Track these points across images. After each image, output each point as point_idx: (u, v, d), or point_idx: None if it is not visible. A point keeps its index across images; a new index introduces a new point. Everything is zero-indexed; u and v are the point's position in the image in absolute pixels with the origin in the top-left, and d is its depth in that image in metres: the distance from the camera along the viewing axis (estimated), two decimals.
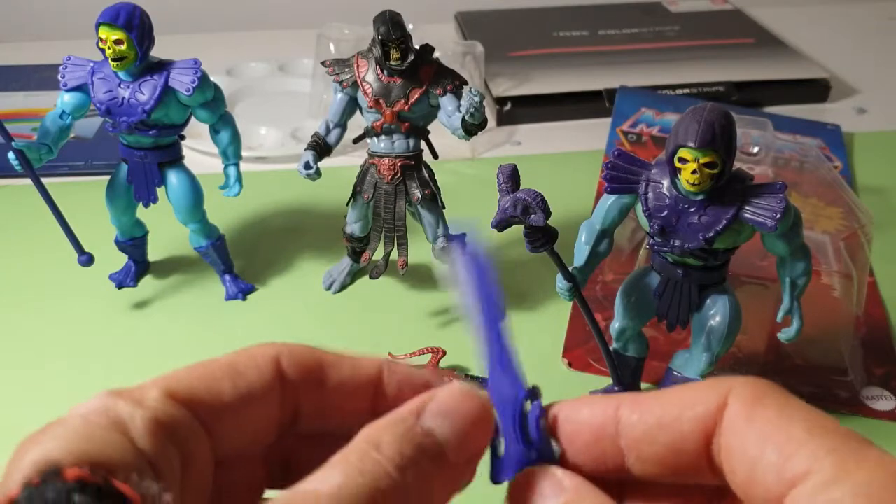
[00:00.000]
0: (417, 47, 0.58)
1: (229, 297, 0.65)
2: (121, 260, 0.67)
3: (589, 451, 0.23)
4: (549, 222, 0.45)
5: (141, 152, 0.61)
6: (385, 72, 0.58)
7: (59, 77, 0.59)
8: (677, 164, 0.45)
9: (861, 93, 1.00)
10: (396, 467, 0.20)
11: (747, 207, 0.46)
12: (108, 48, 0.56)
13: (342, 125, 0.62)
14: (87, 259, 0.61)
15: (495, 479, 0.23)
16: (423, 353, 0.57)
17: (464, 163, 0.84)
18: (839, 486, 0.18)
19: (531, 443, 0.23)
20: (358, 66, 0.59)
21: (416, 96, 0.58)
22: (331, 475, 0.19)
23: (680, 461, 0.22)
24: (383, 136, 0.60)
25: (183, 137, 0.63)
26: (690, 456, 0.21)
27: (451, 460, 0.21)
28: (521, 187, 0.45)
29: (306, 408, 0.23)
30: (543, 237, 0.46)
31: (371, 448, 0.20)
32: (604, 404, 0.23)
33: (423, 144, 0.61)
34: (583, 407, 0.23)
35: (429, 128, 0.61)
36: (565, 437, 0.23)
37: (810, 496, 0.18)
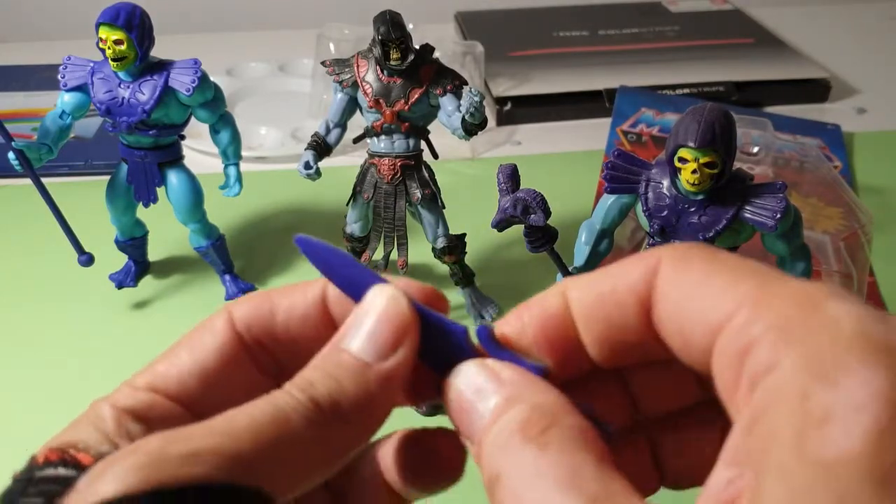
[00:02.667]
0: (417, 47, 0.58)
1: (229, 297, 0.65)
2: (121, 260, 0.67)
3: (554, 349, 0.22)
4: (549, 222, 0.45)
5: (141, 152, 0.61)
6: (385, 72, 0.58)
7: (59, 77, 0.59)
8: (677, 164, 0.45)
9: (861, 93, 1.00)
10: (310, 398, 0.20)
11: (747, 207, 0.46)
12: (108, 48, 0.56)
13: (342, 125, 0.62)
14: (87, 259, 0.61)
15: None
16: None
17: (464, 163, 0.84)
18: (756, 323, 0.18)
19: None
20: (358, 66, 0.59)
21: (416, 96, 0.58)
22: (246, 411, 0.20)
23: (626, 337, 0.21)
24: (383, 136, 0.60)
25: (183, 137, 0.63)
26: (634, 329, 0.21)
27: (374, 376, 0.21)
28: (521, 187, 0.45)
29: (282, 356, 0.24)
30: (543, 237, 0.46)
31: (297, 383, 0.21)
32: (552, 293, 0.22)
33: (423, 144, 0.61)
34: (532, 305, 0.22)
35: (429, 128, 0.61)
36: (529, 345, 0.22)
37: (731, 340, 0.18)
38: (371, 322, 0.22)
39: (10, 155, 0.57)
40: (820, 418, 0.15)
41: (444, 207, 0.62)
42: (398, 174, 0.60)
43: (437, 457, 0.24)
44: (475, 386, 0.21)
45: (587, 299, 0.21)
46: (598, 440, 0.19)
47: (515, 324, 0.22)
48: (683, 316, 0.19)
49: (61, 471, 0.19)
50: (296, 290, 0.24)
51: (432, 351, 0.22)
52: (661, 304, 0.20)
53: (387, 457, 0.25)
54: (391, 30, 0.56)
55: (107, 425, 0.21)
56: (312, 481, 0.21)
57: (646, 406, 0.24)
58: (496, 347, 0.22)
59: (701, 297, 0.19)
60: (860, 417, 0.15)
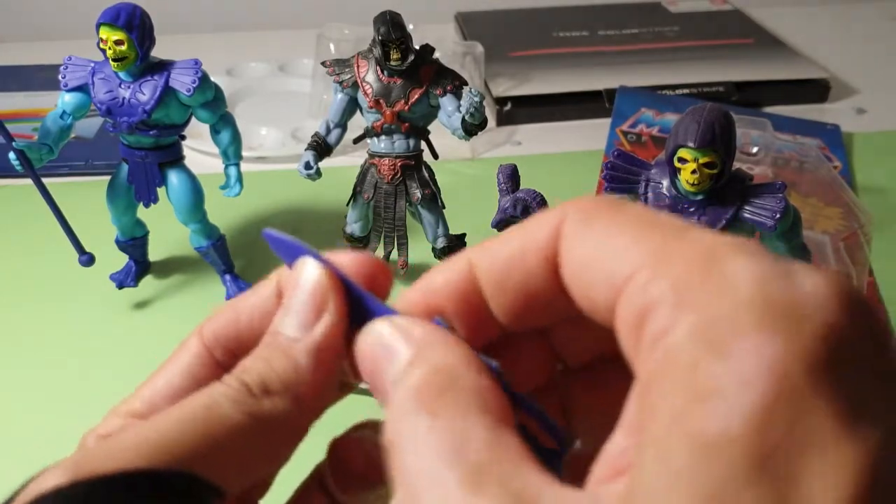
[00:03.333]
0: (417, 47, 0.58)
1: (229, 297, 0.65)
2: (121, 260, 0.67)
3: (463, 321, 0.21)
4: None
5: (141, 152, 0.61)
6: (385, 72, 0.58)
7: (59, 77, 0.59)
8: (677, 165, 0.45)
9: (860, 93, 1.00)
10: (240, 382, 0.20)
11: (747, 207, 0.46)
12: (109, 48, 0.56)
13: (342, 125, 0.62)
14: (87, 259, 0.61)
15: None
16: None
17: (464, 163, 0.84)
18: (655, 283, 0.16)
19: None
20: (358, 67, 0.59)
21: (416, 96, 0.58)
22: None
23: (536, 299, 0.20)
24: (383, 137, 0.60)
25: (183, 137, 0.63)
26: (543, 291, 0.19)
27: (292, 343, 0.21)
28: (521, 187, 0.45)
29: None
30: None
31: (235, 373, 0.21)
32: (457, 260, 0.21)
33: (423, 144, 0.61)
34: (435, 274, 0.21)
35: (429, 128, 0.61)
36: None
37: (631, 302, 0.17)
38: (292, 300, 0.22)
39: (11, 155, 0.57)
40: (705, 392, 0.14)
41: (444, 207, 0.62)
42: (398, 174, 0.60)
43: (354, 461, 0.24)
44: (384, 344, 0.20)
45: (494, 268, 0.20)
46: (497, 400, 0.18)
47: (416, 297, 0.21)
48: (587, 276, 0.18)
49: None
50: (253, 292, 0.23)
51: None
52: (566, 264, 0.19)
53: (327, 472, 0.24)
54: (391, 30, 0.56)
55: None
56: (259, 467, 0.21)
57: (568, 358, 0.23)
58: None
59: (603, 255, 0.18)
60: (746, 393, 0.14)
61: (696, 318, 0.15)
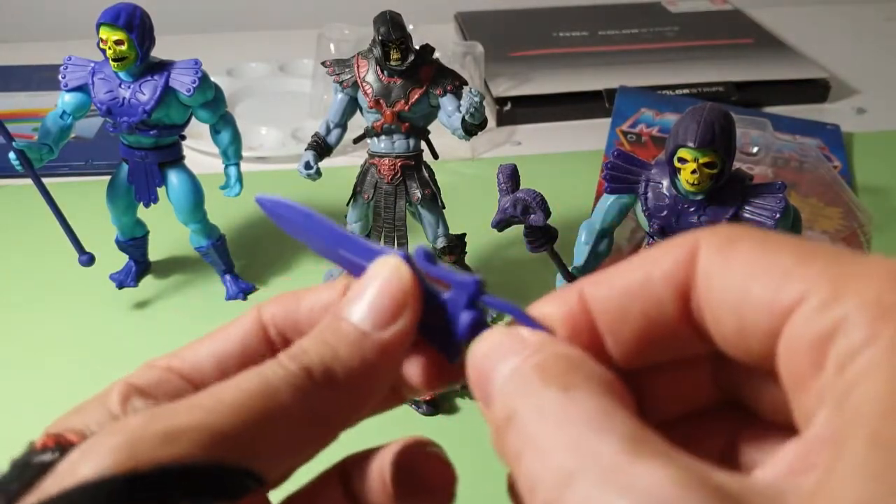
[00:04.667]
0: (417, 47, 0.58)
1: (230, 297, 0.65)
2: (121, 260, 0.67)
3: None
4: (548, 222, 0.46)
5: (141, 152, 0.61)
6: (385, 72, 0.58)
7: (59, 77, 0.59)
8: (677, 165, 0.45)
9: (860, 93, 1.00)
10: (301, 366, 0.20)
11: (747, 207, 0.46)
12: (109, 48, 0.56)
13: (342, 125, 0.62)
14: (87, 259, 0.61)
15: (452, 358, 0.21)
16: None
17: (464, 163, 0.84)
18: (841, 302, 0.16)
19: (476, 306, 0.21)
20: (358, 67, 0.59)
21: (416, 96, 0.58)
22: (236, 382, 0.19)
23: (659, 332, 0.19)
24: (383, 137, 0.60)
25: (183, 137, 0.63)
26: (669, 322, 0.19)
27: (373, 341, 0.20)
28: (521, 187, 0.45)
29: None
30: (543, 237, 0.46)
31: (292, 352, 0.20)
32: (566, 292, 0.20)
33: (423, 144, 0.61)
34: (545, 304, 0.20)
35: (429, 128, 0.61)
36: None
37: (809, 320, 0.16)
38: (372, 292, 0.21)
39: (11, 155, 0.57)
40: None
41: (444, 207, 0.62)
42: (398, 174, 0.60)
43: (426, 479, 0.23)
44: (497, 347, 0.19)
45: (611, 296, 0.19)
46: (626, 392, 0.17)
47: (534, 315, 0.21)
48: (739, 302, 0.17)
49: (53, 455, 0.18)
50: (322, 287, 0.23)
51: (436, 330, 0.21)
52: (707, 291, 0.18)
53: (374, 474, 0.23)
54: (391, 30, 0.56)
55: (112, 403, 0.21)
56: (303, 457, 0.20)
57: (654, 410, 0.22)
58: (437, 269, 0.21)
59: (761, 279, 0.17)
60: None
61: None
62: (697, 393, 0.21)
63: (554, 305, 0.20)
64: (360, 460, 0.24)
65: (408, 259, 0.21)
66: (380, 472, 0.23)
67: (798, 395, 0.17)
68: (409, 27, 0.59)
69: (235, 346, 0.23)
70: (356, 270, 0.22)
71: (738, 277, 0.17)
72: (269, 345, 0.23)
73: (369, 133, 0.60)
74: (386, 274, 0.21)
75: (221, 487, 0.18)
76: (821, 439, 0.16)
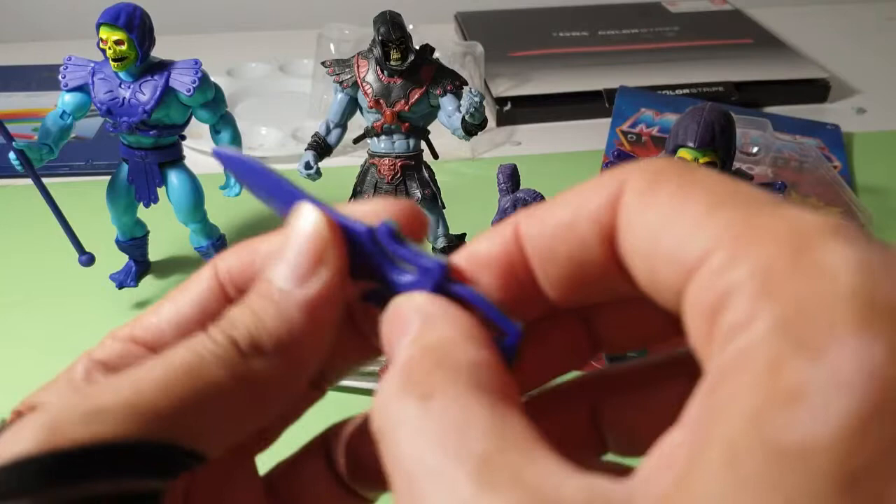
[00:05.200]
0: (417, 47, 0.59)
1: None
2: (121, 260, 0.67)
3: (508, 293, 0.19)
4: None
5: (141, 152, 0.61)
6: (385, 72, 0.58)
7: (59, 77, 0.59)
8: None
9: (860, 93, 1.00)
10: (229, 339, 0.19)
11: None
12: (109, 48, 0.56)
13: (342, 125, 0.62)
14: (87, 259, 0.61)
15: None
16: None
17: (464, 163, 0.84)
18: (735, 267, 0.14)
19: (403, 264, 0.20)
20: (358, 67, 0.59)
21: (416, 96, 0.58)
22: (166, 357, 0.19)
23: (587, 273, 0.18)
24: (383, 137, 0.60)
25: (184, 137, 0.63)
26: (596, 264, 0.18)
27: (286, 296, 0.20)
28: (521, 187, 0.45)
29: None
30: None
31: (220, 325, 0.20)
32: (503, 227, 0.19)
33: (423, 144, 0.61)
34: (482, 241, 0.19)
35: (429, 128, 0.61)
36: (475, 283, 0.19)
37: (705, 286, 0.15)
38: (290, 247, 0.20)
39: (11, 155, 0.57)
40: (789, 394, 0.12)
41: (444, 207, 0.62)
42: (398, 174, 0.60)
43: (367, 456, 0.22)
44: (400, 316, 0.18)
45: (543, 234, 0.18)
46: (497, 374, 0.17)
47: (459, 266, 0.20)
48: (651, 252, 0.16)
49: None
50: (277, 235, 0.22)
51: (371, 275, 0.20)
52: (626, 237, 0.17)
53: (337, 451, 0.23)
54: (391, 30, 0.56)
55: (76, 377, 0.21)
56: (243, 430, 0.19)
57: (610, 347, 0.21)
58: (400, 246, 0.20)
59: (671, 229, 0.16)
60: (839, 399, 0.12)
61: (782, 311, 0.13)
62: (654, 330, 0.20)
63: (489, 242, 0.19)
64: (338, 430, 0.23)
65: (371, 235, 0.20)
66: (344, 445, 0.23)
67: (702, 363, 0.15)
68: (409, 27, 0.59)
69: (194, 309, 0.22)
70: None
71: (653, 224, 0.16)
72: (228, 303, 0.21)
73: (369, 133, 0.60)
74: (300, 226, 0.20)
75: (153, 466, 0.17)
76: (685, 433, 0.14)
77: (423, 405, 0.16)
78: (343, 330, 0.21)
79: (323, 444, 0.23)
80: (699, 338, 0.15)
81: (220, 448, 0.19)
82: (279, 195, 0.21)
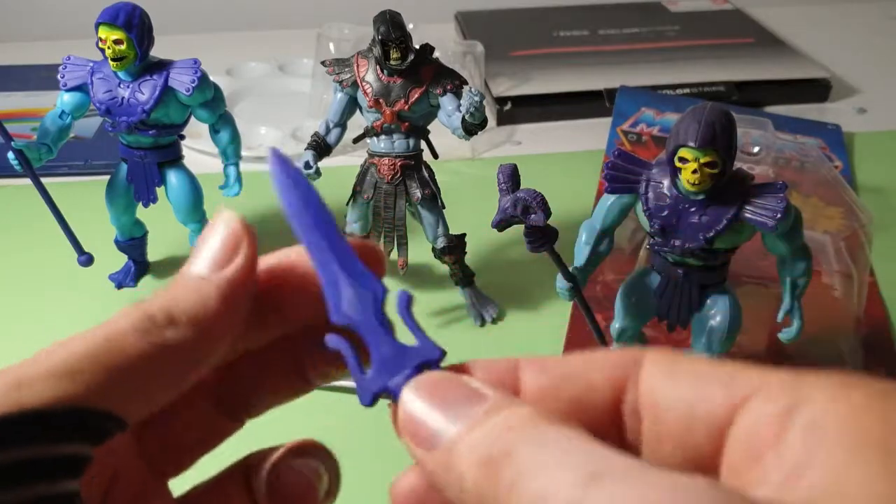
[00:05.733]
0: (417, 47, 0.58)
1: None
2: (120, 260, 0.67)
3: None
4: (549, 222, 0.45)
5: (140, 152, 0.61)
6: (385, 71, 0.58)
7: (58, 77, 0.59)
8: (677, 164, 0.45)
9: (862, 93, 1.00)
10: (143, 311, 0.21)
11: (748, 207, 0.46)
12: (108, 48, 0.56)
13: (342, 125, 0.62)
14: (86, 259, 0.61)
15: (365, 398, 0.21)
16: None
17: (464, 162, 0.84)
18: (795, 387, 0.18)
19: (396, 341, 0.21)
20: (358, 66, 0.59)
21: (416, 96, 0.58)
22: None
23: (583, 415, 0.20)
24: (383, 136, 0.59)
25: (183, 137, 0.63)
26: (597, 410, 0.20)
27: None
28: (522, 187, 0.45)
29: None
30: (543, 237, 0.46)
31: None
32: (502, 364, 0.21)
33: (423, 144, 0.61)
34: (476, 369, 0.22)
35: (429, 127, 0.61)
36: None
37: (769, 401, 0.18)
38: (208, 243, 0.23)
39: (10, 155, 0.57)
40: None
41: (444, 207, 0.62)
42: (398, 174, 0.60)
43: (289, 496, 0.24)
44: (463, 388, 0.20)
45: (547, 379, 0.21)
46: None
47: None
48: (688, 406, 0.19)
49: None
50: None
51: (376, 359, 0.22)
52: (652, 400, 0.20)
53: (258, 478, 0.24)
54: (391, 29, 0.56)
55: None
56: (160, 396, 0.21)
57: None
58: (408, 314, 0.22)
59: (708, 385, 0.19)
60: None
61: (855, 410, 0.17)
62: None
63: (486, 369, 0.22)
64: (259, 460, 0.25)
65: (383, 294, 0.22)
66: (261, 477, 0.24)
67: (749, 467, 0.18)
68: (409, 26, 0.59)
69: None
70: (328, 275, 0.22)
71: (686, 387, 0.20)
72: None
73: (369, 133, 0.60)
74: (217, 225, 0.23)
75: (77, 431, 0.19)
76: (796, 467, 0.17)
77: (558, 428, 0.18)
78: (275, 364, 0.24)
79: (243, 470, 0.25)
80: (753, 449, 0.18)
81: (141, 413, 0.21)
82: (309, 224, 0.23)
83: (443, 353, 0.21)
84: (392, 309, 0.22)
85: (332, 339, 0.22)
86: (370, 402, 0.21)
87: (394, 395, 0.21)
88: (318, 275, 0.22)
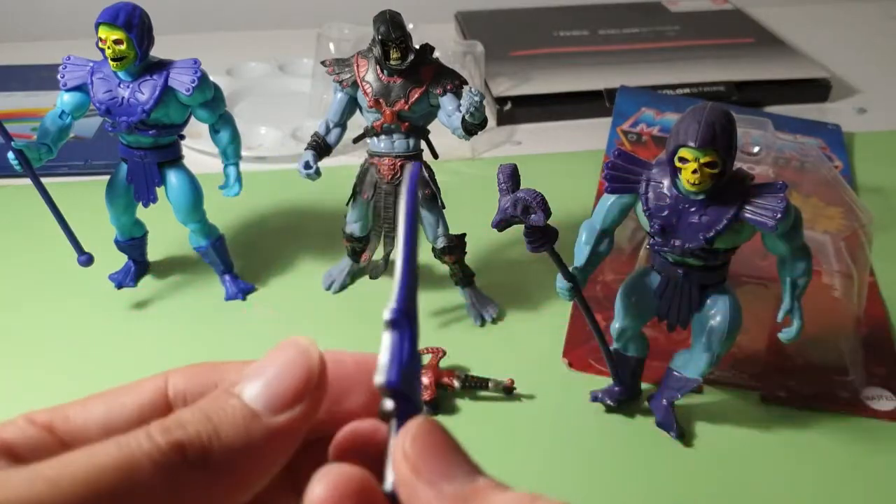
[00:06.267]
0: (417, 47, 0.58)
1: (229, 297, 0.65)
2: (120, 260, 0.67)
3: None
4: (549, 222, 0.45)
5: (140, 152, 0.61)
6: (385, 71, 0.58)
7: (58, 77, 0.59)
8: (678, 164, 0.45)
9: (861, 92, 1.00)
10: (171, 442, 0.17)
11: (748, 207, 0.46)
12: (108, 48, 0.56)
13: (342, 125, 0.62)
14: (86, 259, 0.61)
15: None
16: (424, 354, 0.57)
17: (464, 162, 0.84)
18: None
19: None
20: (358, 66, 0.59)
21: (416, 96, 0.58)
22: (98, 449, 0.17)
23: None
24: (383, 136, 0.59)
25: (182, 137, 0.63)
26: None
27: (264, 423, 0.18)
28: (522, 187, 0.45)
29: None
30: (543, 237, 0.46)
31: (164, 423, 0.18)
32: None
33: (423, 144, 0.61)
34: None
35: (429, 127, 0.61)
36: None
37: None
38: (273, 371, 0.19)
39: (10, 155, 0.57)
40: None
41: (444, 207, 0.61)
42: (398, 174, 0.60)
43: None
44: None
45: None
46: None
47: None
48: None
49: None
50: (246, 363, 0.20)
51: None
52: None
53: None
54: (391, 29, 0.56)
55: None
56: None
57: None
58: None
59: None
60: None
61: None
62: None
63: None
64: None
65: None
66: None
67: None
68: (409, 26, 0.59)
69: (131, 416, 0.20)
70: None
71: None
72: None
73: (369, 133, 0.60)
74: (292, 354, 0.19)
75: None
76: None
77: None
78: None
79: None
80: None
81: None
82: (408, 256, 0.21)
83: (384, 386, 0.19)
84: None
85: (389, 404, 0.19)
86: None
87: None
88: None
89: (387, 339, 0.19)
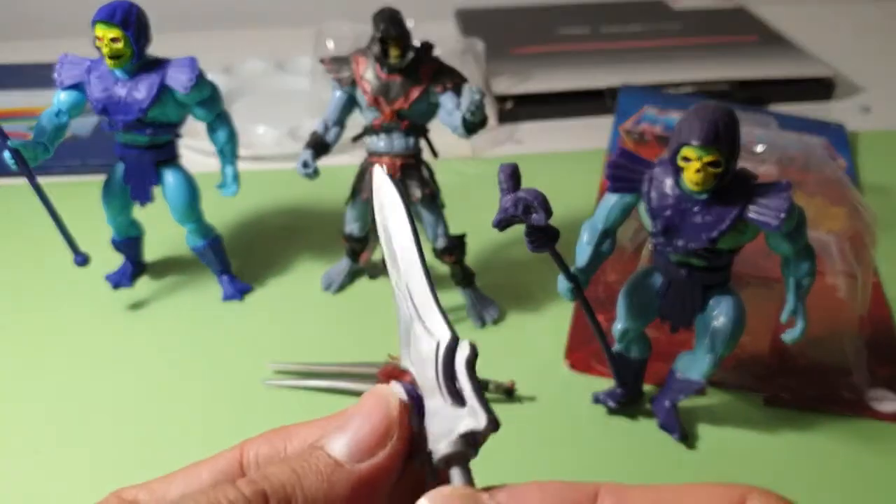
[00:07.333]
0: (417, 44, 0.58)
1: (226, 298, 0.64)
2: (117, 260, 0.67)
3: None
4: (550, 222, 0.45)
5: (137, 151, 0.60)
6: (384, 69, 0.57)
7: (55, 75, 0.58)
8: (680, 163, 0.45)
9: (866, 91, 1.00)
10: (257, 491, 0.18)
11: (751, 207, 0.45)
12: (105, 46, 0.55)
13: (341, 123, 0.61)
14: (82, 259, 0.60)
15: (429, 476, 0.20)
16: None
17: (464, 162, 0.84)
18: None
19: (461, 399, 0.20)
20: (357, 64, 0.58)
21: (415, 94, 0.57)
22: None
23: None
24: (383, 135, 0.59)
25: (179, 136, 0.63)
26: None
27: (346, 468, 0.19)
28: (523, 186, 0.44)
29: None
30: (545, 237, 0.45)
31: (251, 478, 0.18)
32: (580, 489, 0.19)
33: (423, 143, 0.60)
34: (547, 492, 0.20)
35: (429, 126, 0.60)
36: None
37: None
38: (355, 423, 0.20)
39: (6, 154, 0.57)
40: None
41: (444, 207, 0.61)
42: (398, 173, 0.59)
43: None
44: None
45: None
46: None
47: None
48: None
49: None
50: (318, 422, 0.21)
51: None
52: None
53: None
54: (390, 27, 0.55)
55: None
56: None
57: None
58: (468, 378, 0.21)
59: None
60: None
61: None
62: None
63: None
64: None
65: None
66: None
67: None
68: (409, 24, 0.58)
69: (207, 485, 0.21)
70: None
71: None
72: None
73: (368, 131, 0.59)
74: (372, 405, 0.20)
75: None
76: None
77: None
78: None
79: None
80: None
81: None
82: (407, 247, 0.23)
83: (492, 426, 0.20)
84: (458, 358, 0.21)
85: (397, 387, 0.21)
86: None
87: (431, 458, 0.20)
88: (398, 305, 0.21)
89: (466, 383, 0.20)
